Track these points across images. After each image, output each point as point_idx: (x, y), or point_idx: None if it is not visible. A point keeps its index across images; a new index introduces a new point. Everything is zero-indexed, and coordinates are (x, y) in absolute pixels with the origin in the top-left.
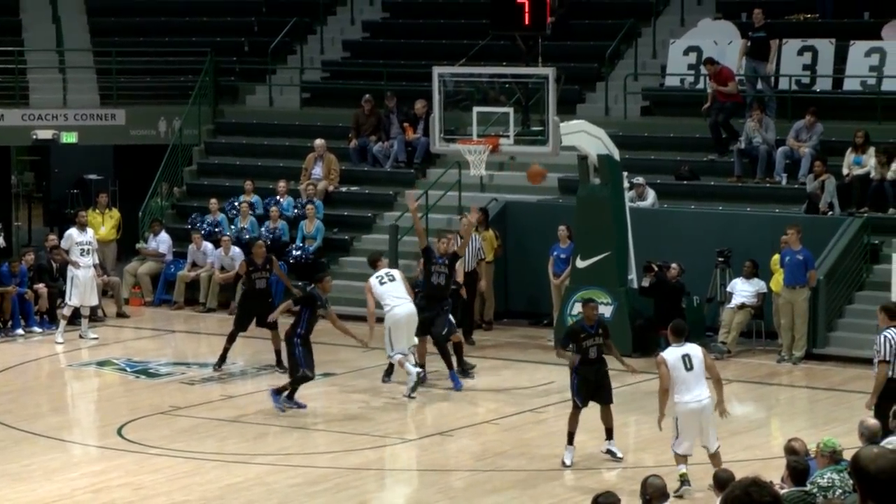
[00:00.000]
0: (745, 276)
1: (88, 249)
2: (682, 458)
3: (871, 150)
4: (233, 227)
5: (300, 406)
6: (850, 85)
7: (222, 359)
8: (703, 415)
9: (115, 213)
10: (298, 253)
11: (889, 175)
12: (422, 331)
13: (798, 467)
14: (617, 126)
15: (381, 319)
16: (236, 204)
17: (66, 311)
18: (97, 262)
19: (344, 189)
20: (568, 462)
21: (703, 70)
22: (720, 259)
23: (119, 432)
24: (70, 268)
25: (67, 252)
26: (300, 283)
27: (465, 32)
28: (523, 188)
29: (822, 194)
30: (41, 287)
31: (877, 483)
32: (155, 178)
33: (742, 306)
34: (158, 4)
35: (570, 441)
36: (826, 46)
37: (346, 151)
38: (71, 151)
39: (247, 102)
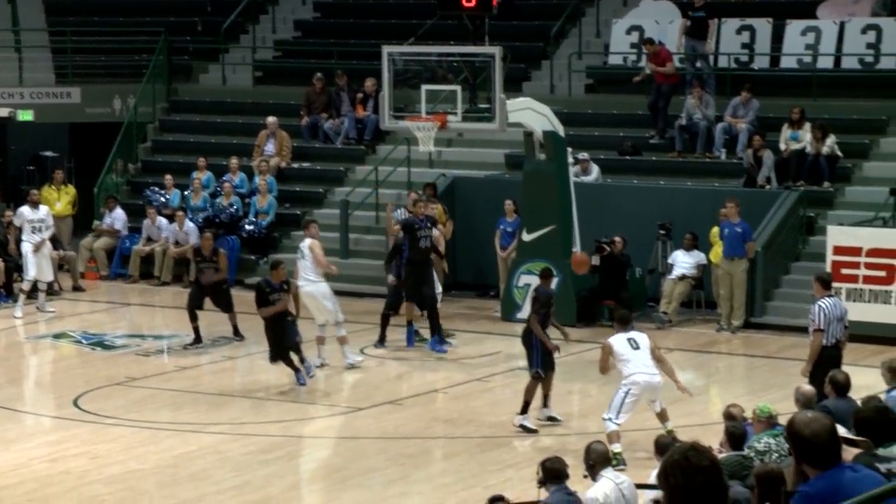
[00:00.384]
0: (686, 248)
1: (40, 227)
2: (615, 436)
3: (807, 125)
4: (184, 203)
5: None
6: (787, 63)
7: (197, 338)
8: (655, 390)
9: (71, 189)
10: (251, 228)
11: (824, 150)
12: (409, 297)
13: (735, 432)
14: (562, 103)
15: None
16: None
17: (25, 286)
18: (53, 235)
19: (296, 165)
20: (532, 426)
21: (644, 49)
22: (661, 232)
23: (75, 403)
24: (23, 244)
25: (20, 230)
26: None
27: (413, 12)
28: (470, 164)
29: (760, 169)
30: None
31: (810, 446)
32: (110, 154)
33: (682, 277)
34: None
35: (526, 410)
36: (763, 25)
37: (298, 128)
38: (27, 129)
39: (200, 81)
